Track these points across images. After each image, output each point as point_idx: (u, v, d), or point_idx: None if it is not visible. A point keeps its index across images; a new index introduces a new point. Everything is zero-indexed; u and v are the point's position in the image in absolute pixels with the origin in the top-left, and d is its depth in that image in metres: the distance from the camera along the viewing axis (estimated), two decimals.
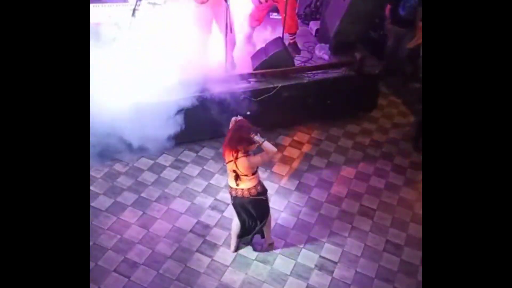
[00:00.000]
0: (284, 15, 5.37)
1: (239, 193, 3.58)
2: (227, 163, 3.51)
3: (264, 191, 3.68)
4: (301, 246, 4.16)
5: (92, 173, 4.70)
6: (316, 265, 4.00)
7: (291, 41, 5.80)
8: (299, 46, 5.89)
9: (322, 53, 5.75)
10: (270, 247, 4.06)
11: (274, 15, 6.41)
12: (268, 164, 4.99)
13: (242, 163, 3.41)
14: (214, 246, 4.08)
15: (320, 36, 6.11)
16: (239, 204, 3.66)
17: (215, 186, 4.71)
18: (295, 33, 5.76)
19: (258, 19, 5.85)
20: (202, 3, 4.84)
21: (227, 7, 4.76)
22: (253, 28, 5.96)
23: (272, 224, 4.21)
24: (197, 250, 4.03)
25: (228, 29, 4.91)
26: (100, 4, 5.03)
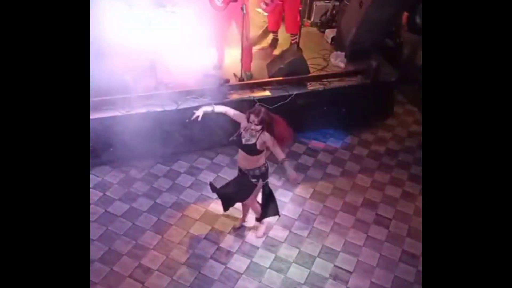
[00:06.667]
0: (282, 14, 5.43)
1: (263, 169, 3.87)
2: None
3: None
4: (316, 255, 4.13)
5: (108, 178, 4.76)
6: (330, 275, 3.96)
7: (292, 42, 5.83)
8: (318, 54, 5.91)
9: (338, 61, 5.75)
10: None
11: None
12: (282, 173, 5.00)
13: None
14: (228, 253, 4.07)
15: (336, 44, 6.11)
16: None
17: None
18: (297, 34, 5.68)
19: (275, 21, 5.90)
20: (219, 11, 4.88)
21: (244, 16, 4.80)
22: (274, 33, 6.01)
23: (286, 232, 4.24)
24: (211, 257, 4.03)
25: (244, 38, 4.95)
26: None
